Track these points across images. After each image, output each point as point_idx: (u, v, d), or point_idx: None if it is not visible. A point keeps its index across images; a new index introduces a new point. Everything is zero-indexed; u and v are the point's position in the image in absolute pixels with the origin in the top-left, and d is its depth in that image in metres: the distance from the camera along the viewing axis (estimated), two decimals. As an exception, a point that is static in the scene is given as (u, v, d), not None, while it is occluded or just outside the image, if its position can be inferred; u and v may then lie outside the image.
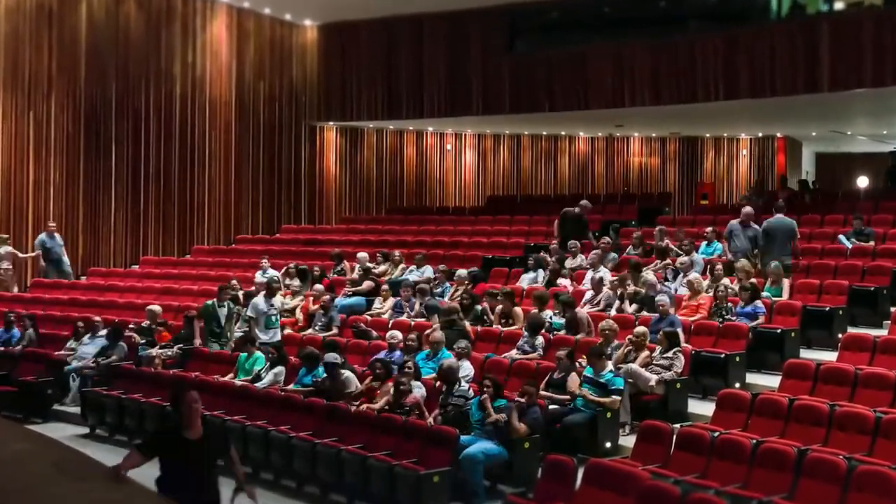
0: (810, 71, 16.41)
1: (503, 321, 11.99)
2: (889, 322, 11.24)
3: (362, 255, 15.93)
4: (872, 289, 12.03)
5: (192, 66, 20.27)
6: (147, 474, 9.85)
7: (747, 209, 13.36)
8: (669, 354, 10.06)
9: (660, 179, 25.85)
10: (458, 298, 12.95)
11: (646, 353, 10.16)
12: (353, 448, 8.84)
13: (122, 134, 19.16)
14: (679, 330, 10.61)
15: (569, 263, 14.47)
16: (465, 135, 24.94)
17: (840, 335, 10.92)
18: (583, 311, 11.82)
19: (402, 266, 15.48)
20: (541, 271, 14.21)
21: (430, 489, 8.09)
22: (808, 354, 10.93)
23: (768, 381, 10.35)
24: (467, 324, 11.86)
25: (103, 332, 13.24)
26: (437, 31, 20.83)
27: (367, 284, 14.54)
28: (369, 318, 13.31)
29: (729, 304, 11.45)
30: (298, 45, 22.10)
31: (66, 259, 17.57)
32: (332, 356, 10.33)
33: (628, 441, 8.99)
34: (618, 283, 12.48)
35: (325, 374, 10.25)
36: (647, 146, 26.03)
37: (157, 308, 13.79)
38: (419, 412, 9.15)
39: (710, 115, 20.28)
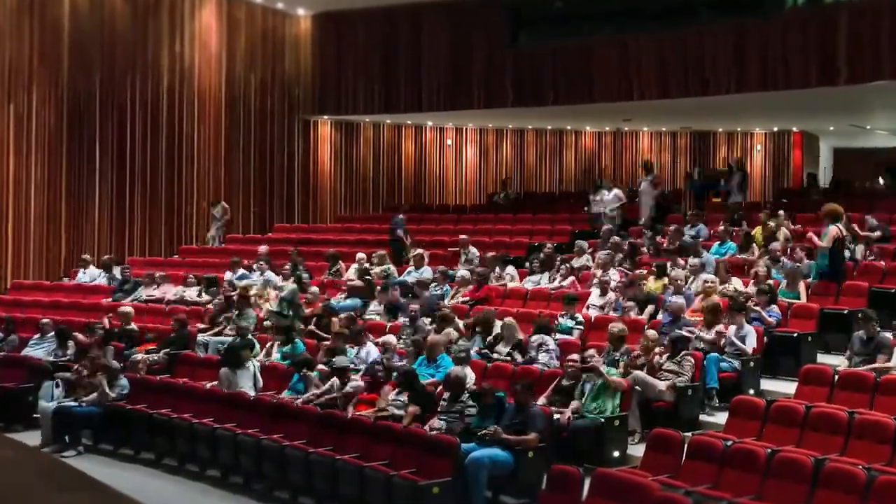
0: (827, 62, 16.41)
1: None
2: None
3: (359, 255, 16.01)
4: (893, 290, 12.04)
5: (180, 57, 20.27)
6: (145, 480, 9.90)
7: None
8: (678, 359, 10.06)
9: (670, 175, 25.84)
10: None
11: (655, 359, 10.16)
12: (349, 457, 8.85)
13: (106, 128, 19.16)
14: (687, 333, 10.63)
15: (575, 263, 14.52)
16: (466, 129, 24.95)
17: (853, 336, 10.89)
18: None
19: (385, 266, 15.45)
20: (546, 273, 14.23)
21: (429, 500, 8.09)
22: (826, 359, 10.93)
23: (784, 388, 10.36)
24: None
25: (51, 333, 13.42)
26: (436, 20, 20.82)
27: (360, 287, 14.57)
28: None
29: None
30: (291, 35, 22.10)
31: None
32: (342, 358, 10.42)
33: (637, 450, 9.01)
34: (628, 285, 12.49)
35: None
36: (657, 141, 26.03)
37: (129, 310, 13.93)
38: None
39: (722, 108, 20.28)
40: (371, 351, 11.49)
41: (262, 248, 17.18)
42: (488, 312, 11.91)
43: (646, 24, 18.49)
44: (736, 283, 12.19)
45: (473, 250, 15.99)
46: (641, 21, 18.61)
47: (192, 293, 15.51)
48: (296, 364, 11.01)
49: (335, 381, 10.28)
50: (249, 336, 12.23)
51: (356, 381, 10.23)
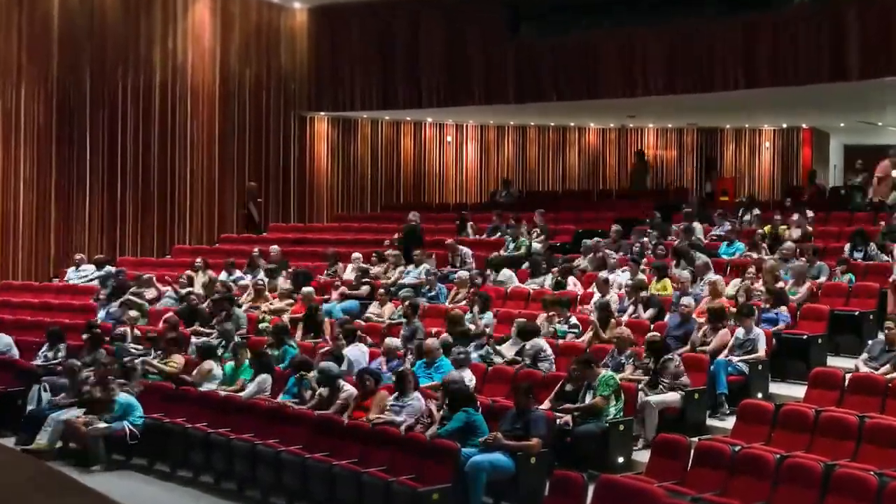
0: (837, 57, 16.42)
1: None
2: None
3: (356, 255, 16.02)
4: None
5: (173, 52, 20.27)
6: (137, 486, 9.91)
7: None
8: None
9: (676, 174, 25.84)
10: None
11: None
12: (346, 463, 8.86)
13: (97, 125, 19.15)
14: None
15: (580, 264, 14.56)
16: (467, 126, 24.94)
17: (870, 341, 10.92)
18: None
19: (399, 268, 15.50)
20: (549, 274, 14.24)
21: (429, 507, 8.10)
22: (836, 362, 10.94)
23: (793, 391, 10.37)
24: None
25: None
26: (436, 13, 20.82)
27: (363, 289, 14.58)
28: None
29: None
30: (287, 29, 22.09)
31: None
32: (330, 365, 10.38)
33: (642, 456, 9.01)
34: (633, 288, 12.49)
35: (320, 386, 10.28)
36: (663, 138, 26.03)
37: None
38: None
39: (729, 104, 20.29)
40: (356, 353, 11.49)
41: (274, 248, 17.19)
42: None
43: (649, 17, 18.49)
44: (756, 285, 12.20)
45: (465, 251, 15.97)
46: (645, 15, 18.60)
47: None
48: (293, 366, 11.01)
49: (323, 390, 10.22)
50: (236, 338, 12.32)
51: (348, 389, 10.17)
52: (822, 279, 12.60)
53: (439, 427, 8.98)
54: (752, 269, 12.63)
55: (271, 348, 12.00)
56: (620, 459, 9.18)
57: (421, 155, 24.42)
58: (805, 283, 12.18)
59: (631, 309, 12.23)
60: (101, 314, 15.10)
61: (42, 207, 18.48)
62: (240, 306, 14.30)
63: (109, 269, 17.07)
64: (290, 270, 15.68)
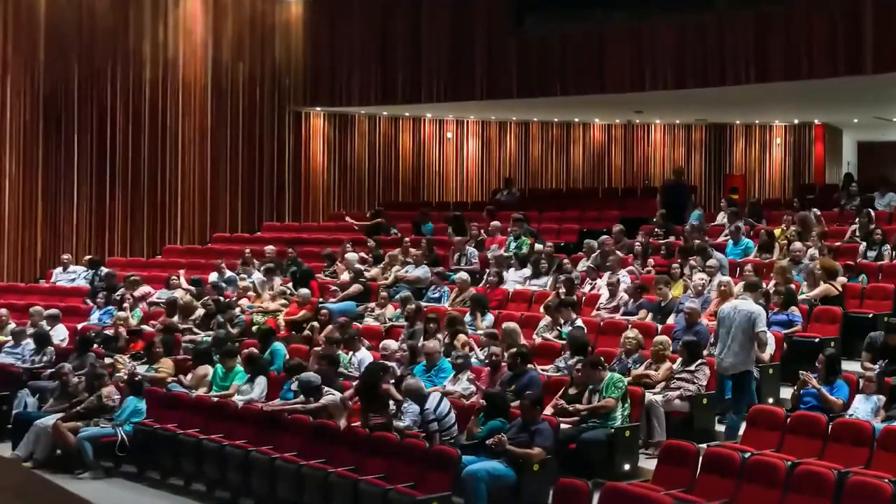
0: (852, 51, 16.42)
1: None
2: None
3: (351, 255, 16.01)
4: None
5: (164, 45, 20.27)
6: (126, 494, 9.90)
7: None
8: (692, 368, 10.06)
9: (684, 171, 25.81)
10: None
11: (667, 364, 10.19)
12: (342, 471, 8.86)
13: (85, 122, 19.17)
14: (703, 340, 10.64)
15: (583, 264, 14.56)
16: (468, 122, 24.94)
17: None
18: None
19: (395, 268, 15.51)
20: (551, 276, 14.24)
21: (428, 516, 8.11)
22: (850, 366, 10.93)
23: (805, 396, 10.35)
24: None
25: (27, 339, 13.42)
26: (437, 5, 20.82)
27: (355, 288, 14.60)
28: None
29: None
30: (282, 21, 22.09)
31: None
32: (311, 376, 10.38)
33: (649, 463, 9.01)
34: (637, 290, 12.50)
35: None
36: (670, 134, 26.03)
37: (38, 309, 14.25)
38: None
39: (740, 99, 20.28)
40: (365, 357, 11.50)
41: (269, 248, 17.22)
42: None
43: (659, 9, 18.48)
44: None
45: (472, 250, 15.99)
46: (654, 6, 18.60)
47: (177, 295, 15.51)
48: (288, 370, 11.02)
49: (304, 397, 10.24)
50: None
51: (330, 395, 10.17)
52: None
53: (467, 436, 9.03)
54: (748, 269, 12.65)
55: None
56: (626, 467, 9.19)
57: (420, 152, 24.41)
58: (819, 284, 12.16)
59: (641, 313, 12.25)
60: (95, 317, 15.14)
61: (28, 206, 18.49)
62: (232, 308, 14.32)
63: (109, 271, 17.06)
64: (291, 270, 15.67)
